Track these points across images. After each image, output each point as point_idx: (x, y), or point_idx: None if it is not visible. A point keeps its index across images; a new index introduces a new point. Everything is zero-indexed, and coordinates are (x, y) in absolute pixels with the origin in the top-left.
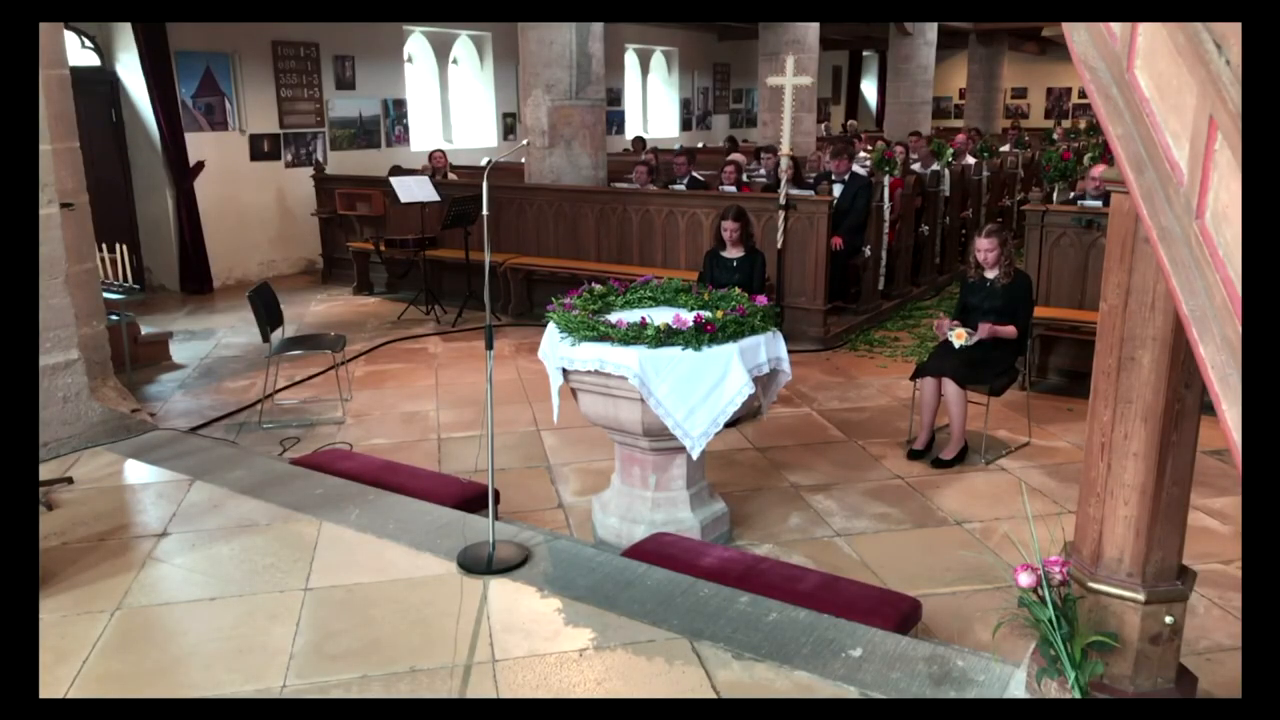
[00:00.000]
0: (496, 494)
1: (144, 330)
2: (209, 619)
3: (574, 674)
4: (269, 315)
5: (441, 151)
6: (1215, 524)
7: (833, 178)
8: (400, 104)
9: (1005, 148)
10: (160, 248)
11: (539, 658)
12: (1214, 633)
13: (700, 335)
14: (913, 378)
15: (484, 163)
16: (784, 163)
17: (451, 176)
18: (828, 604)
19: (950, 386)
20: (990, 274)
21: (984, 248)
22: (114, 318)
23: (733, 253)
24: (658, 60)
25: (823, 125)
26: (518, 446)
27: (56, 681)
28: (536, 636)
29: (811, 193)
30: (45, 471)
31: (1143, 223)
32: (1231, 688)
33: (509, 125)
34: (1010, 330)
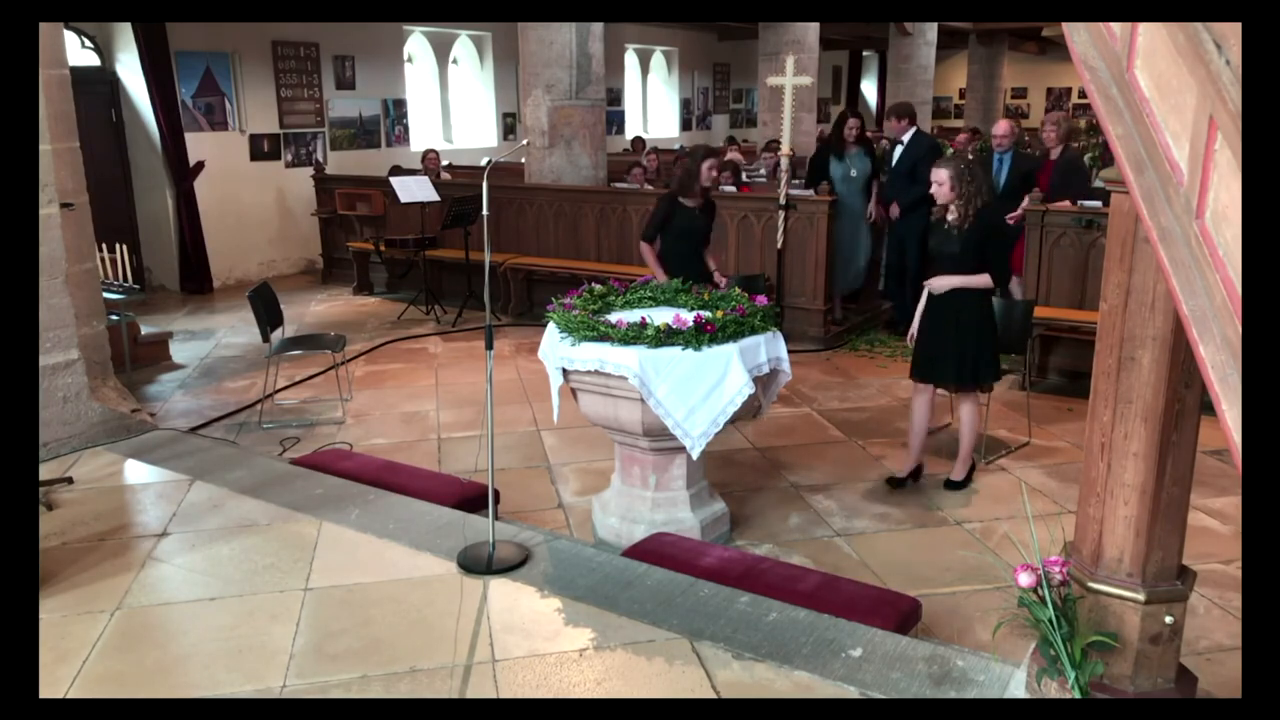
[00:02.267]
0: (496, 494)
1: (144, 330)
2: (209, 619)
3: (574, 674)
4: (269, 315)
5: (434, 152)
6: (1215, 524)
7: (892, 139)
8: (400, 104)
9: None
10: (160, 248)
11: (539, 658)
12: (1214, 633)
13: (700, 335)
14: (912, 376)
15: (484, 163)
16: (783, 163)
17: (445, 176)
18: (828, 604)
19: (963, 397)
20: (950, 215)
21: (935, 180)
22: (114, 318)
23: (693, 200)
24: (658, 60)
25: (822, 127)
26: (518, 446)
27: (56, 681)
28: (536, 636)
29: (811, 193)
30: (45, 471)
31: (1143, 223)
32: (1231, 688)
33: (509, 125)
34: (975, 280)
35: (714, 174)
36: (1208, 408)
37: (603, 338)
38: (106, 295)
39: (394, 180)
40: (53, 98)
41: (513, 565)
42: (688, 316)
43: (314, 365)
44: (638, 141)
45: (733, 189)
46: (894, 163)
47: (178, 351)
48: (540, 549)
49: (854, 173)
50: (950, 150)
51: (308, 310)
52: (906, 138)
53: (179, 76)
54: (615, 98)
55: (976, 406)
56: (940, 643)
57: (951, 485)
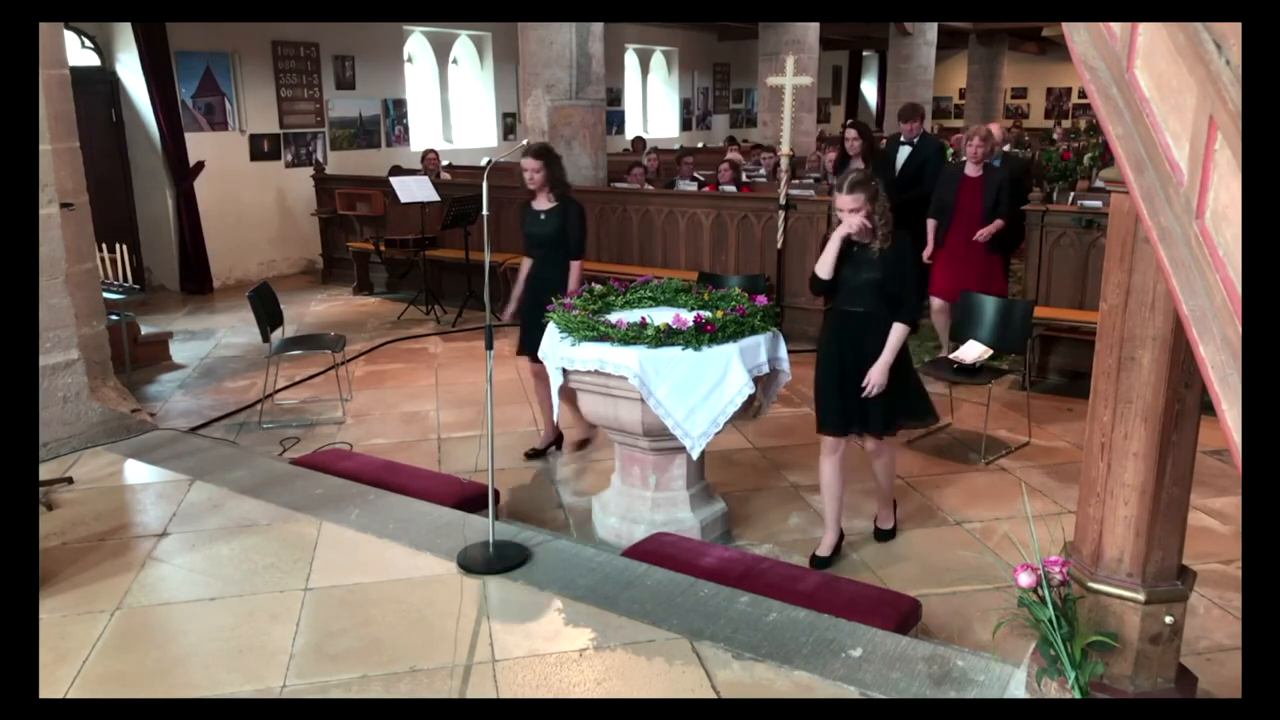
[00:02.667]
0: (496, 494)
1: (144, 330)
2: (209, 619)
3: (574, 674)
4: (269, 315)
5: (434, 152)
6: (1215, 524)
7: (901, 140)
8: (400, 104)
9: (1005, 147)
10: (160, 248)
11: (539, 658)
12: (1214, 633)
13: (700, 335)
14: (823, 429)
15: (484, 163)
16: (784, 163)
17: (445, 176)
18: (828, 604)
19: (883, 447)
20: (863, 236)
21: (845, 207)
22: (114, 318)
23: (541, 203)
24: (658, 60)
25: (821, 127)
26: (518, 446)
27: (56, 681)
28: (536, 636)
29: (811, 192)
30: (45, 471)
31: (1143, 223)
32: (1231, 688)
33: (509, 125)
34: (900, 335)
35: (530, 165)
36: (1208, 408)
37: (603, 338)
38: (106, 295)
39: (394, 180)
40: (53, 98)
41: (513, 565)
42: (688, 316)
43: (314, 365)
44: (638, 141)
45: (733, 189)
46: (901, 165)
47: (178, 351)
48: (540, 549)
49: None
50: (950, 151)
51: (308, 310)
52: (915, 140)
53: (179, 76)
54: (615, 98)
55: (894, 454)
56: (940, 643)
57: (882, 535)
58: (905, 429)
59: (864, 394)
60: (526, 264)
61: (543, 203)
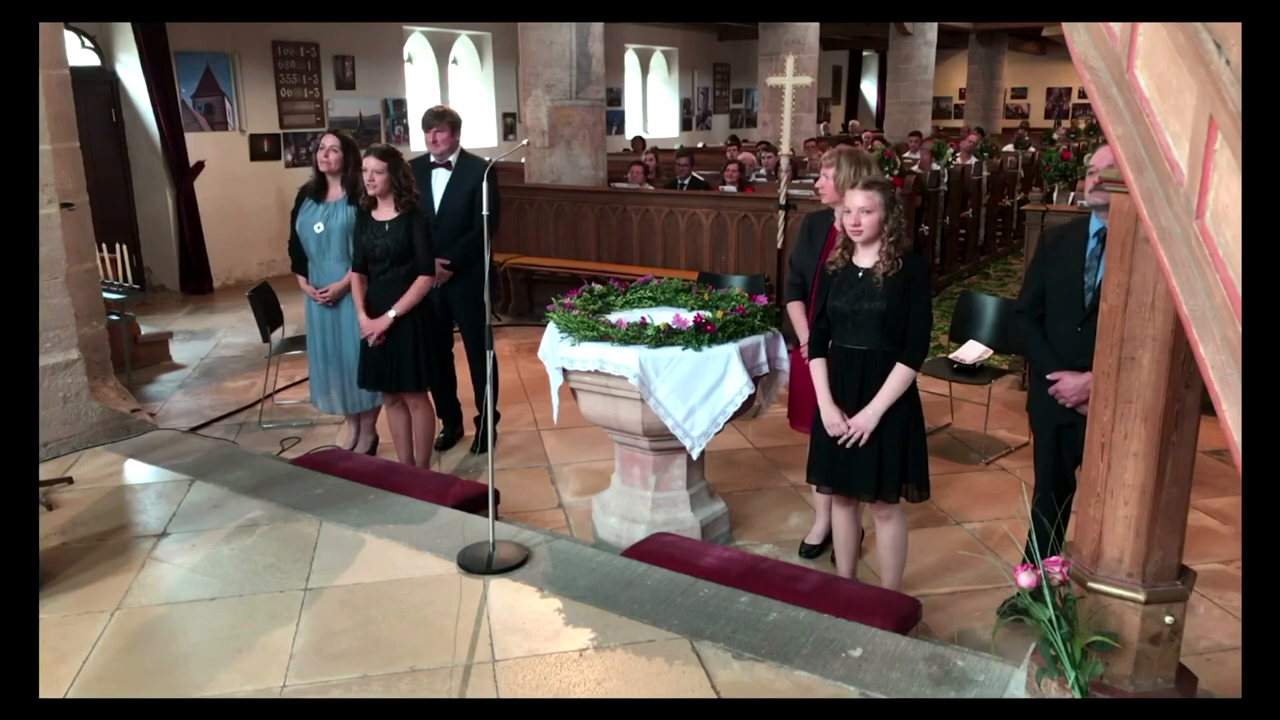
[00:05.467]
0: (496, 494)
1: (144, 330)
2: (209, 619)
3: (574, 674)
4: (269, 315)
5: None
6: (1215, 524)
7: (431, 161)
8: (400, 104)
9: (1007, 147)
10: (160, 248)
11: (539, 658)
12: (1214, 633)
13: (700, 335)
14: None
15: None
16: (783, 163)
17: None
18: (828, 604)
19: (887, 511)
20: (865, 259)
21: (859, 206)
22: (114, 318)
23: (384, 213)
24: (658, 60)
25: (822, 125)
26: (518, 446)
27: (56, 681)
28: (536, 636)
29: (812, 193)
30: (45, 471)
31: (1143, 223)
32: (1231, 688)
33: (509, 125)
34: (901, 380)
35: (374, 165)
36: (1208, 408)
37: (603, 338)
38: (106, 295)
39: None
40: (53, 98)
41: (513, 565)
42: (688, 316)
43: None
44: (638, 141)
45: (734, 188)
46: (442, 197)
47: (178, 351)
48: (540, 549)
49: (321, 226)
50: (950, 151)
51: None
52: (454, 159)
53: (179, 76)
54: (615, 98)
55: (905, 521)
56: (940, 643)
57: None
58: (895, 500)
59: (848, 443)
60: (359, 284)
61: (385, 211)
